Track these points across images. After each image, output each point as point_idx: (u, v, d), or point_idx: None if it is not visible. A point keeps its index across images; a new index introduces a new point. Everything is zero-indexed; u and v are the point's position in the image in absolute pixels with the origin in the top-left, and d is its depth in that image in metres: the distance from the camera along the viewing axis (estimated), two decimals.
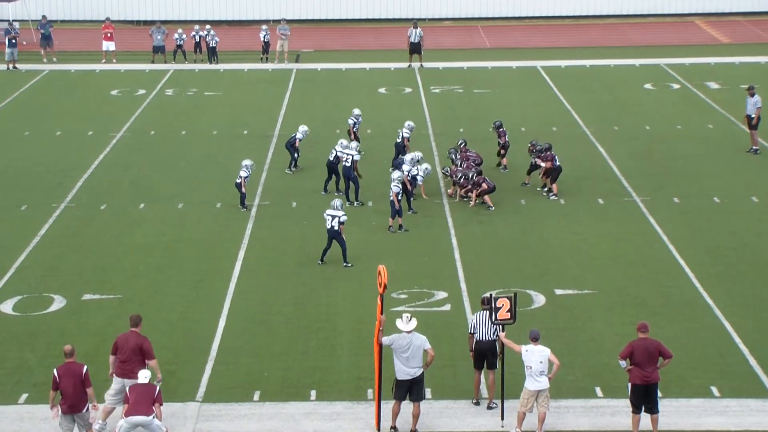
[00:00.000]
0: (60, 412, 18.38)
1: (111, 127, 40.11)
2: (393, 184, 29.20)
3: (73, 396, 18.31)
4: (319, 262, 26.82)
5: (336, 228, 26.54)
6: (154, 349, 19.38)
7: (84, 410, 18.47)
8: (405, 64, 50.40)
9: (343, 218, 26.58)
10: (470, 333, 20.25)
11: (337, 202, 26.90)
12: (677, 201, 31.47)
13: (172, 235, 29.12)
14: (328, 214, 26.70)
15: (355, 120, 35.75)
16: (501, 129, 34.69)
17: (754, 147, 36.17)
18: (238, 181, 30.78)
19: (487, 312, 19.93)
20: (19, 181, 33.75)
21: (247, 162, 31.05)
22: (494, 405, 19.97)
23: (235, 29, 59.59)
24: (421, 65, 50.01)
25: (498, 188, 31.68)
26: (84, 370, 18.39)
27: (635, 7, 62.08)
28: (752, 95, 36.25)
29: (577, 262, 27.04)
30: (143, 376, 18.50)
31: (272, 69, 50.35)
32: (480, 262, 27.09)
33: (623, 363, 19.08)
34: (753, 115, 36.07)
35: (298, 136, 34.36)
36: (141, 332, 19.49)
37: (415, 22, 51.31)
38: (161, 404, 18.38)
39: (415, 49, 50.11)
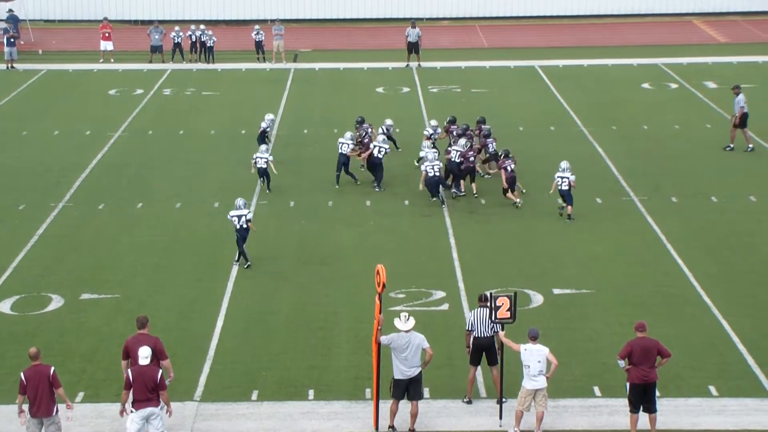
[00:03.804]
0: (28, 416, 18.09)
1: (109, 126, 40.10)
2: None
3: (42, 399, 17.99)
4: (244, 263, 26.75)
5: (245, 227, 26.61)
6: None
7: (53, 413, 18.13)
8: (403, 64, 50.42)
9: (249, 216, 26.71)
10: (468, 330, 20.26)
11: (240, 201, 26.89)
12: (675, 200, 31.49)
13: (170, 234, 29.12)
14: (234, 215, 26.63)
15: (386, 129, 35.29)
16: (481, 125, 34.74)
17: (749, 146, 36.27)
18: (263, 165, 31.85)
19: (485, 309, 19.95)
20: (17, 181, 33.75)
21: (263, 147, 32.66)
22: (505, 400, 19.90)
23: (233, 29, 59.58)
24: (419, 65, 50.03)
25: (496, 188, 31.79)
26: (51, 372, 18.04)
27: (633, 6, 62.10)
28: (737, 95, 36.42)
29: (575, 262, 27.05)
30: (143, 355, 18.31)
31: (270, 68, 50.36)
32: (478, 262, 27.10)
33: (622, 363, 19.09)
34: (737, 115, 36.18)
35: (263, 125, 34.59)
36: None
37: (413, 21, 51.31)
38: (164, 389, 18.27)
39: (412, 48, 50.14)
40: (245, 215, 26.59)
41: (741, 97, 36.36)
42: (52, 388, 18.08)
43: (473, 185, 31.67)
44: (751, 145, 36.25)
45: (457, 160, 31.47)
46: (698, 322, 23.61)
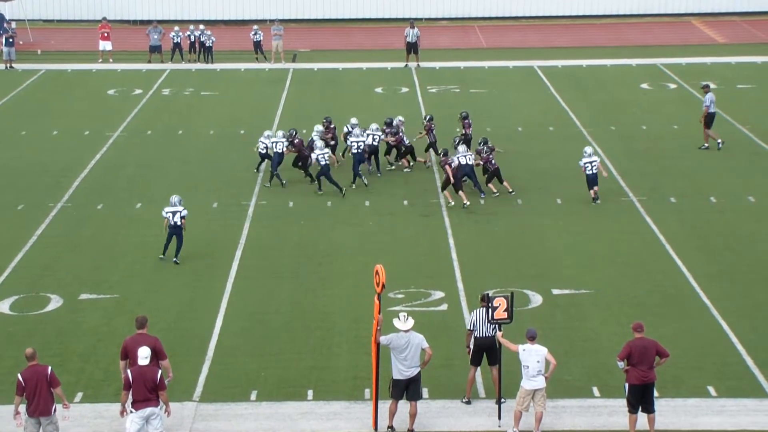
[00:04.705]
0: (26, 416, 18.06)
1: (108, 126, 40.10)
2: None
3: (40, 399, 17.98)
4: (161, 256, 27.13)
5: (179, 224, 26.85)
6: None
7: (52, 413, 18.13)
8: (402, 64, 50.41)
9: (184, 213, 26.96)
10: (469, 329, 20.24)
11: (175, 198, 27.18)
12: (674, 201, 31.49)
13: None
14: (168, 212, 26.89)
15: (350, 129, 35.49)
16: (466, 120, 34.80)
17: (705, 144, 36.48)
18: (263, 150, 33.16)
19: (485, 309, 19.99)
20: (15, 181, 33.73)
21: (267, 132, 33.90)
22: (504, 400, 19.90)
23: (232, 29, 59.59)
24: (418, 65, 50.02)
25: (495, 187, 31.81)
26: (49, 371, 18.05)
27: (632, 6, 62.13)
28: (706, 93, 36.60)
29: (574, 262, 27.04)
30: (143, 356, 18.30)
31: (269, 69, 50.36)
32: (477, 262, 27.10)
33: (621, 364, 19.06)
34: (703, 113, 36.38)
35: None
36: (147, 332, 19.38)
37: (411, 21, 51.35)
38: (164, 389, 18.26)
39: (411, 48, 50.14)
40: (180, 212, 26.86)
41: (709, 96, 36.53)
42: (50, 388, 18.08)
43: (505, 184, 31.78)
44: (706, 144, 36.39)
45: (471, 163, 31.54)
46: (697, 323, 23.60)
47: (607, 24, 61.01)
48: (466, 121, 34.73)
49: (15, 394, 18.15)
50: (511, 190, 31.75)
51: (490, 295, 19.71)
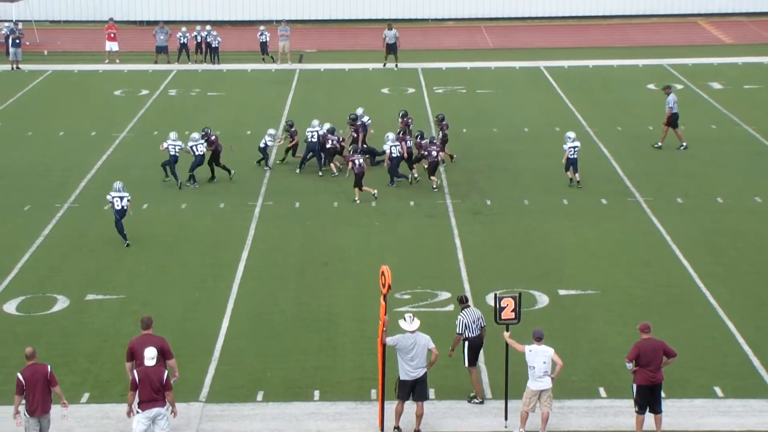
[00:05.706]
0: (26, 415, 18.07)
1: (114, 127, 40.15)
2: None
3: (40, 398, 18.03)
4: (126, 243, 28.09)
5: (126, 208, 27.88)
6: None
7: (50, 410, 18.20)
8: (408, 65, 50.36)
9: (129, 197, 28.12)
10: (459, 334, 20.33)
11: (118, 183, 28.24)
12: (680, 201, 31.47)
13: (175, 235, 29.14)
14: (115, 196, 27.92)
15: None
16: (443, 122, 34.87)
17: (683, 144, 36.60)
18: (262, 145, 34.27)
19: (470, 309, 20.40)
20: (22, 182, 33.78)
21: (271, 131, 34.80)
22: (479, 400, 20.18)
23: (239, 29, 59.63)
24: (396, 65, 49.99)
25: (501, 188, 31.83)
26: (48, 370, 18.10)
27: (638, 7, 62.11)
28: (668, 94, 36.68)
29: (580, 263, 27.03)
30: (149, 356, 18.32)
31: (275, 69, 50.39)
32: (483, 262, 27.09)
33: (630, 365, 19.04)
34: (666, 114, 36.40)
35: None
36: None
37: (389, 23, 51.42)
38: (170, 390, 18.28)
39: (391, 49, 50.17)
40: (127, 197, 27.94)
41: (671, 97, 36.84)
42: (49, 387, 18.13)
43: (433, 178, 32.43)
44: (684, 144, 36.51)
45: (399, 155, 32.57)
46: (703, 323, 23.59)
47: (613, 24, 60.99)
48: (443, 122, 34.86)
49: (15, 394, 18.16)
50: (435, 182, 32.29)
51: (498, 295, 19.72)
